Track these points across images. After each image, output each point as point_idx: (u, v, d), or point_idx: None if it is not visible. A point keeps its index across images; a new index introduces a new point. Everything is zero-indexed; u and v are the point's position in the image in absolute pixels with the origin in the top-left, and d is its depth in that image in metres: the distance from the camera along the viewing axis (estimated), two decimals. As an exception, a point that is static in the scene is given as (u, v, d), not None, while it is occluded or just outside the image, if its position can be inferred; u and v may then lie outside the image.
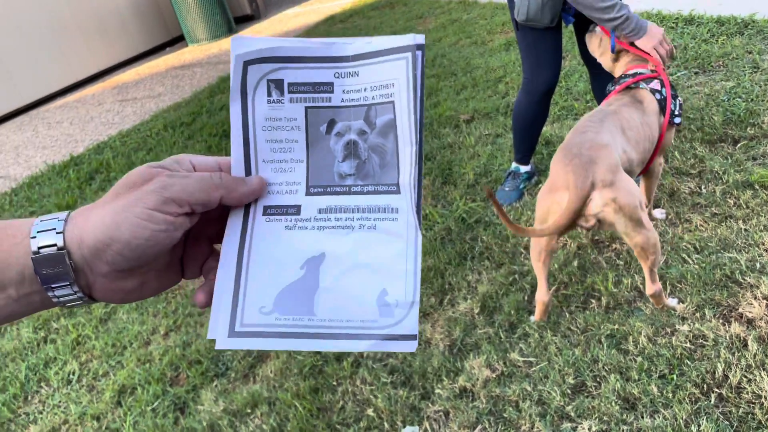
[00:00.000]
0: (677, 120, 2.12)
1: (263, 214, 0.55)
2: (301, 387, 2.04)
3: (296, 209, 0.55)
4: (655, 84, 2.11)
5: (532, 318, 2.08)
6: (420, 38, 0.53)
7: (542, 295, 2.00)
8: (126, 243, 0.48)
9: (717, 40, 3.86)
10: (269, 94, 0.56)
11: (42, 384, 2.44)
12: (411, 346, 0.50)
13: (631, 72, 2.20)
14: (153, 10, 9.28)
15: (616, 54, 2.30)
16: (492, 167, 3.17)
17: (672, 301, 1.98)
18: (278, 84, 0.56)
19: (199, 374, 2.23)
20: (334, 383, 2.04)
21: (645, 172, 2.20)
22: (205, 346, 2.37)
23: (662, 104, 2.10)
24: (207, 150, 4.47)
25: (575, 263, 2.27)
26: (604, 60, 2.37)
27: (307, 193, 0.56)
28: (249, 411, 2.02)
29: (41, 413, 2.28)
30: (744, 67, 3.40)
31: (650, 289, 1.92)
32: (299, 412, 1.94)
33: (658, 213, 2.27)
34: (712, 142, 2.79)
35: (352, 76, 0.55)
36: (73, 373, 2.44)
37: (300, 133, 0.56)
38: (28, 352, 2.65)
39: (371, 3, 8.55)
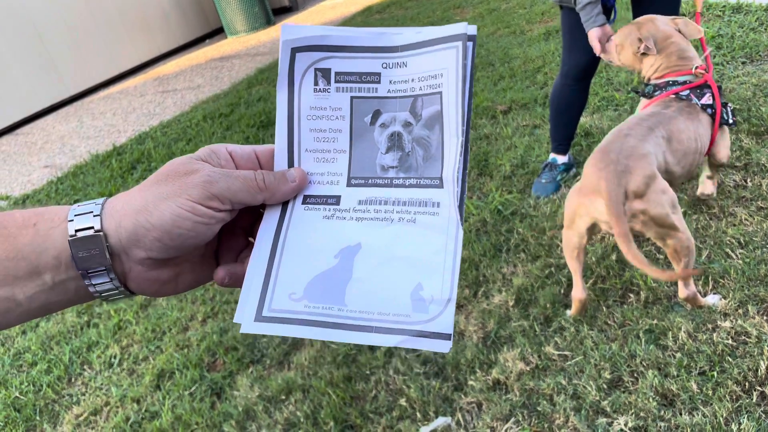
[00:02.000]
0: (732, 123, 2.05)
1: (302, 203, 0.55)
2: (334, 375, 2.06)
3: (336, 199, 0.54)
4: (707, 98, 2.01)
5: (568, 312, 2.05)
6: (472, 29, 0.52)
7: (578, 293, 1.97)
8: (167, 231, 0.48)
9: (766, 29, 3.73)
10: (316, 83, 0.55)
11: (85, 367, 2.52)
12: (445, 346, 0.47)
13: (670, 79, 2.09)
14: (193, 3, 9.42)
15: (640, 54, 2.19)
16: (529, 159, 3.13)
17: (713, 298, 1.92)
18: (325, 73, 0.55)
19: (236, 360, 2.27)
20: (368, 372, 2.05)
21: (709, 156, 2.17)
22: (241, 333, 2.40)
23: (713, 116, 2.03)
24: (245, 141, 4.53)
25: (613, 257, 2.23)
26: (625, 57, 2.25)
27: (348, 184, 0.55)
28: (283, 397, 2.05)
29: (84, 395, 2.35)
30: (795, 56, 3.28)
31: (683, 292, 1.87)
32: (332, 399, 1.96)
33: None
34: (759, 134, 2.70)
35: (400, 66, 0.54)
36: (115, 357, 2.51)
37: (344, 123, 0.55)
38: (72, 336, 2.73)
39: (408, -7, 8.50)
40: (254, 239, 0.55)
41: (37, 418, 2.29)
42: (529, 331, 2.02)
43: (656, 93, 2.10)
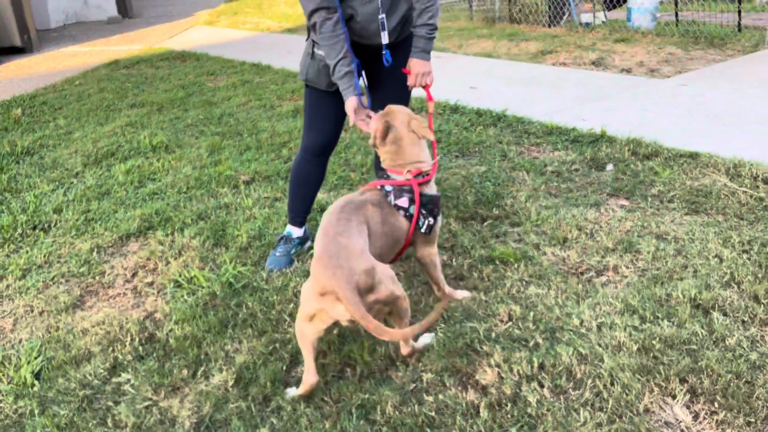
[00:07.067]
0: (423, 230, 2.23)
1: None
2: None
3: None
4: (403, 201, 2.19)
5: (289, 390, 2.02)
6: None
7: (312, 377, 1.98)
8: None
9: (475, 129, 4.35)
10: None
11: None
12: None
13: (386, 174, 2.29)
14: None
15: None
16: (267, 231, 3.15)
17: (427, 338, 2.19)
18: None
19: None
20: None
21: (420, 263, 2.36)
22: None
23: (409, 218, 2.21)
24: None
25: (336, 332, 2.29)
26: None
27: None
28: None
29: None
30: (495, 154, 3.86)
31: (405, 350, 2.11)
32: None
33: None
34: (464, 219, 3.07)
35: None
36: None
37: None
38: None
39: (161, 53, 8.25)
40: None
41: None
42: (246, 413, 1.95)
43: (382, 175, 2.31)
